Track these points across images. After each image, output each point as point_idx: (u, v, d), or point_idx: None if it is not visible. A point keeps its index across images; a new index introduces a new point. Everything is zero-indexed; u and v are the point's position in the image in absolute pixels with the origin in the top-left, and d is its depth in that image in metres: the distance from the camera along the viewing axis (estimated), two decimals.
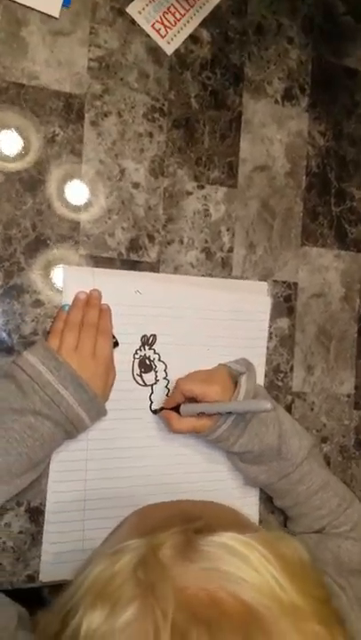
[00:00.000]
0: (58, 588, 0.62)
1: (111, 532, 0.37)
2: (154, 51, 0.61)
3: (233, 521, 0.36)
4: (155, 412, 0.63)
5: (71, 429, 0.54)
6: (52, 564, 0.58)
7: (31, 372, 0.52)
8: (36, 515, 0.57)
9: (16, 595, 0.50)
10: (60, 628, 0.28)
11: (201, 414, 0.58)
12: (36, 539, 0.57)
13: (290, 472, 0.61)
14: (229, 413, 0.57)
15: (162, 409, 0.62)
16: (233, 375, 0.62)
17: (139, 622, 0.25)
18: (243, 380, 0.60)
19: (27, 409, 0.51)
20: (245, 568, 0.27)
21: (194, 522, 0.31)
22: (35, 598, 0.54)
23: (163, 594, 0.26)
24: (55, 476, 0.58)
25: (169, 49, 0.61)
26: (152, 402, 0.63)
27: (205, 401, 0.58)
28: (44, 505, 0.57)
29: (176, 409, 0.60)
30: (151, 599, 0.26)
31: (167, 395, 0.64)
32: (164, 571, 0.27)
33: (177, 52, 0.62)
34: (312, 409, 0.71)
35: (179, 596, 0.26)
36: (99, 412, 0.56)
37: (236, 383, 0.60)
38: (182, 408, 0.60)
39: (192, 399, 0.59)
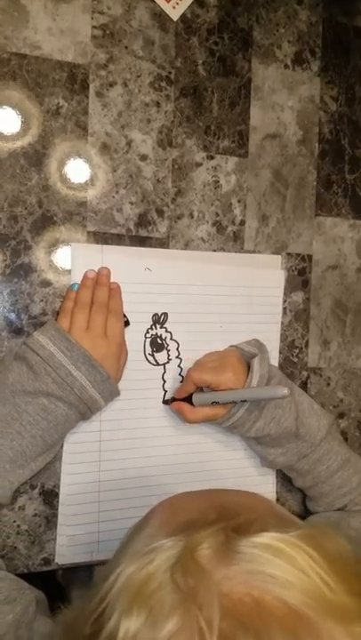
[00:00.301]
0: (72, 572, 0.62)
1: (137, 525, 0.36)
2: (159, 16, 0.59)
3: (270, 513, 0.35)
4: (166, 402, 0.62)
5: (85, 411, 0.53)
6: (67, 546, 0.58)
7: (42, 353, 0.51)
8: (50, 497, 0.57)
9: (29, 578, 0.50)
10: (93, 632, 0.27)
11: (215, 403, 0.57)
12: (50, 521, 0.57)
13: (309, 452, 0.60)
14: (244, 400, 0.56)
15: (173, 399, 0.61)
16: (245, 358, 0.60)
17: (183, 633, 0.24)
18: (255, 364, 0.58)
19: (40, 391, 0.51)
20: (292, 570, 0.26)
21: (231, 518, 0.30)
22: (49, 582, 0.54)
23: (206, 601, 0.25)
24: (69, 458, 0.58)
25: (175, 14, 0.59)
26: (165, 381, 0.62)
27: (219, 389, 0.57)
28: (59, 487, 0.57)
29: (188, 399, 0.59)
30: (194, 607, 0.24)
31: (180, 374, 0.63)
32: (204, 574, 0.26)
33: (183, 17, 0.60)
34: (328, 384, 0.69)
35: (223, 603, 0.24)
36: (112, 393, 0.56)
37: (248, 366, 0.59)
38: (195, 398, 0.58)
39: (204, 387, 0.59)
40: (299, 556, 0.26)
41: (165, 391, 0.62)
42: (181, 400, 0.59)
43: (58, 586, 0.67)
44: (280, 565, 0.26)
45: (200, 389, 0.59)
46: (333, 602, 0.25)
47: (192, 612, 0.24)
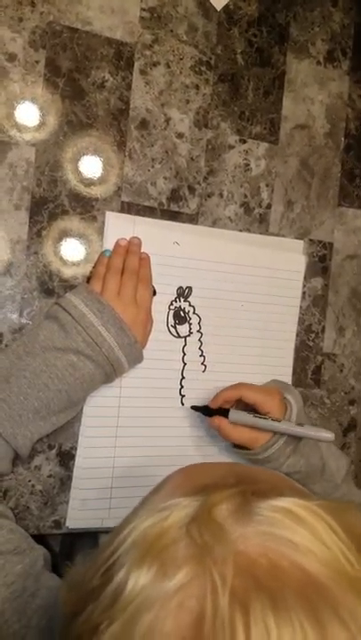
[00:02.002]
0: (75, 540, 0.62)
1: (151, 492, 0.35)
2: (203, 5, 0.62)
3: (290, 487, 0.34)
4: (195, 408, 0.61)
5: (110, 372, 0.55)
6: (79, 510, 0.58)
7: (74, 313, 0.53)
8: (66, 459, 0.58)
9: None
10: (100, 584, 0.26)
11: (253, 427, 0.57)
12: (65, 484, 0.58)
13: (332, 493, 0.60)
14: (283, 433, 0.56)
15: (207, 408, 0.60)
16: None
17: (193, 586, 0.23)
18: (291, 398, 0.59)
19: (69, 348, 0.52)
20: (311, 538, 0.24)
21: (251, 484, 0.29)
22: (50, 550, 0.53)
23: (221, 556, 0.24)
24: (88, 421, 0.59)
25: (218, 4, 0.62)
26: (185, 354, 0.64)
27: (263, 410, 0.57)
28: (75, 449, 0.58)
29: (220, 411, 0.59)
30: (208, 561, 0.23)
31: (200, 348, 0.64)
32: (220, 531, 0.25)
33: (226, 7, 0.63)
34: (341, 370, 0.71)
35: (238, 560, 0.23)
36: (136, 358, 0.57)
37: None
38: (235, 414, 0.58)
39: (243, 404, 0.59)
40: (320, 525, 0.25)
41: (183, 377, 0.63)
42: (216, 412, 0.59)
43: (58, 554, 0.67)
44: (300, 532, 0.25)
45: (235, 406, 0.60)
46: (354, 577, 0.24)
47: (206, 565, 0.23)
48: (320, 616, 0.22)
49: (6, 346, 0.55)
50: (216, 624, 0.21)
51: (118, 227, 0.60)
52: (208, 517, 0.26)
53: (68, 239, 0.58)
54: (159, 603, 0.23)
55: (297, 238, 0.68)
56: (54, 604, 0.42)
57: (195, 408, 0.62)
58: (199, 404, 0.62)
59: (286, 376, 0.68)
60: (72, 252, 0.58)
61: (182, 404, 0.63)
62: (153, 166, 0.61)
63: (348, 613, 0.22)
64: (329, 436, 0.54)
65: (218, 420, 0.59)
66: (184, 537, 0.25)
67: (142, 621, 0.22)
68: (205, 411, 0.61)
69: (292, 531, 0.25)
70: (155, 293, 0.61)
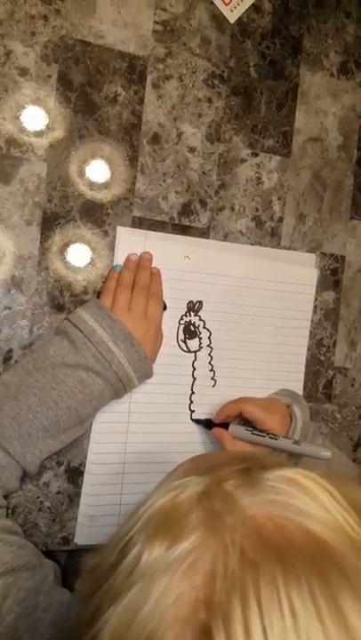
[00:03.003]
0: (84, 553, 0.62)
1: (163, 479, 0.36)
2: (217, 18, 0.62)
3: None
4: (198, 421, 0.62)
5: (120, 388, 0.54)
6: (87, 526, 0.58)
7: (84, 328, 0.53)
8: (75, 475, 0.57)
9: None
10: (116, 560, 0.27)
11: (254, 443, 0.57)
12: (73, 500, 0.57)
13: None
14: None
15: (209, 421, 0.61)
16: (286, 407, 0.61)
17: (204, 548, 0.24)
18: (297, 411, 0.59)
19: (79, 364, 0.52)
20: (314, 505, 0.26)
21: (257, 461, 0.31)
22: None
23: (231, 520, 0.25)
24: (97, 437, 0.58)
25: (232, 17, 0.62)
26: (195, 369, 0.63)
27: (262, 428, 0.57)
28: (84, 466, 0.57)
29: (222, 425, 0.59)
30: (218, 525, 0.25)
31: (210, 362, 0.64)
32: (230, 500, 0.27)
33: (239, 20, 0.63)
34: (353, 385, 0.71)
35: (247, 524, 0.25)
36: (146, 374, 0.57)
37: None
38: (234, 430, 0.58)
39: (244, 419, 0.59)
40: (321, 493, 0.27)
41: (193, 392, 0.63)
42: (218, 425, 0.60)
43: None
44: (303, 499, 0.26)
45: (238, 421, 0.60)
46: (356, 540, 0.25)
47: (216, 529, 0.25)
48: (325, 572, 0.23)
49: (16, 362, 0.55)
50: (227, 582, 0.23)
51: (129, 241, 0.59)
52: (218, 489, 0.28)
53: (78, 254, 0.57)
54: (173, 566, 0.24)
55: (309, 251, 0.67)
56: (66, 618, 0.42)
57: (196, 421, 0.62)
58: (209, 414, 0.62)
59: (297, 390, 0.67)
60: (83, 266, 0.58)
61: (192, 420, 0.63)
62: (165, 181, 0.61)
63: (351, 570, 0.23)
64: (327, 454, 0.53)
65: (219, 431, 0.59)
66: (195, 508, 0.27)
67: (158, 584, 0.24)
68: (207, 424, 0.61)
69: (297, 497, 0.26)
70: (165, 308, 0.60)
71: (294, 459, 0.57)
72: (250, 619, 0.21)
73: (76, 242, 0.57)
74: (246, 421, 0.59)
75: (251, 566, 0.23)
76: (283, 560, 0.23)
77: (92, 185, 0.58)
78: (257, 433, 0.57)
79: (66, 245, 0.57)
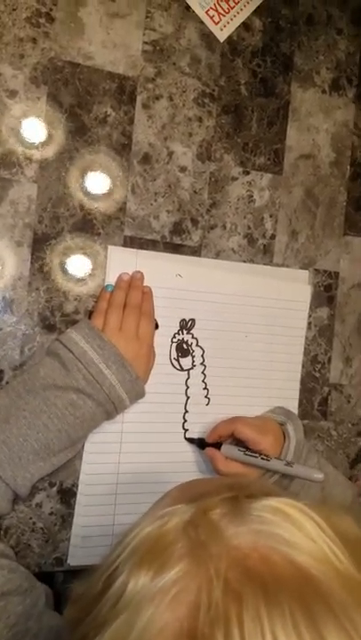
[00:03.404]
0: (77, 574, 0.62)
1: (150, 508, 0.36)
2: (207, 37, 0.62)
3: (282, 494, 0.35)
4: (191, 440, 0.62)
5: (111, 409, 0.54)
6: (80, 547, 0.58)
7: (75, 350, 0.53)
8: (67, 496, 0.57)
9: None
10: (102, 589, 0.27)
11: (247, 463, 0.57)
12: (66, 521, 0.57)
13: None
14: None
15: (202, 441, 0.61)
16: (280, 426, 0.61)
17: (189, 579, 0.24)
18: (290, 430, 0.59)
19: (70, 386, 0.52)
20: (300, 535, 0.26)
21: (244, 489, 0.31)
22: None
23: (216, 550, 0.25)
24: (89, 457, 0.58)
25: (222, 36, 0.62)
26: (188, 387, 0.63)
27: (255, 448, 0.57)
28: (77, 486, 0.57)
29: (215, 445, 0.59)
30: (203, 556, 0.25)
31: (203, 381, 0.63)
32: (216, 530, 0.27)
33: (229, 38, 0.63)
34: (349, 401, 0.70)
35: (232, 554, 0.25)
36: (138, 394, 0.56)
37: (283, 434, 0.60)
38: (227, 450, 0.58)
39: (237, 439, 0.59)
40: (307, 522, 0.26)
41: (186, 411, 0.62)
42: (211, 444, 0.59)
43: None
44: (289, 529, 0.26)
45: (231, 440, 0.59)
46: (341, 569, 0.25)
47: (201, 559, 0.25)
48: (309, 605, 0.23)
49: (7, 383, 0.55)
50: (211, 613, 0.23)
51: (121, 261, 0.59)
52: (204, 518, 0.28)
53: (69, 274, 0.57)
54: (158, 596, 0.24)
55: (302, 268, 0.67)
56: None
57: (190, 440, 0.61)
58: (203, 433, 0.62)
59: (292, 408, 0.67)
60: (74, 286, 0.58)
61: (185, 439, 0.62)
62: (156, 200, 0.61)
63: (336, 602, 0.23)
64: (319, 476, 0.53)
65: (211, 451, 0.59)
66: (181, 538, 0.27)
67: (142, 614, 0.24)
68: (200, 443, 0.61)
69: (282, 527, 0.26)
70: (157, 327, 0.60)
71: (287, 479, 0.57)
72: None
73: (67, 262, 0.57)
74: (239, 440, 0.58)
75: (235, 598, 0.23)
76: (267, 592, 0.23)
77: (82, 205, 0.58)
78: (249, 454, 0.56)
79: (57, 266, 0.57)
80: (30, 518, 0.56)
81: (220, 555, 0.25)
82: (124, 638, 0.24)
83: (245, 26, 0.63)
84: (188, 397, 0.63)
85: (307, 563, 0.25)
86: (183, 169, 0.62)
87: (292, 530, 0.26)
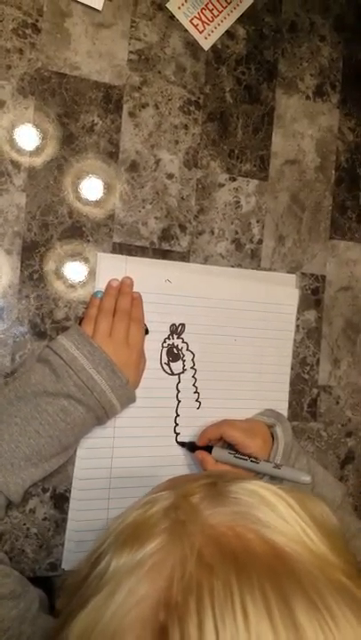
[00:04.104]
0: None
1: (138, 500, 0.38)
2: (191, 45, 0.63)
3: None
4: (183, 444, 0.63)
5: (102, 415, 0.55)
6: (74, 552, 0.58)
7: (66, 356, 0.53)
8: (60, 501, 0.57)
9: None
10: (89, 572, 0.29)
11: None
12: (60, 526, 0.57)
13: None
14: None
15: (193, 444, 0.62)
16: (269, 428, 0.62)
17: (166, 552, 0.26)
18: (279, 432, 0.60)
19: (60, 392, 0.52)
20: (274, 515, 0.28)
21: (222, 477, 0.33)
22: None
23: (192, 528, 0.27)
24: (82, 463, 0.59)
25: (206, 44, 0.63)
26: (179, 391, 0.63)
27: (244, 451, 0.58)
28: (70, 492, 0.58)
29: (206, 447, 0.60)
30: (181, 532, 0.27)
31: (194, 385, 0.64)
32: (195, 511, 0.28)
33: (214, 47, 0.63)
34: (337, 402, 0.71)
35: (207, 532, 0.27)
36: (129, 399, 0.57)
37: (272, 435, 0.61)
38: (216, 453, 0.59)
39: (226, 443, 0.59)
40: (281, 505, 0.28)
41: (178, 415, 0.63)
42: (201, 448, 0.60)
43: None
44: (263, 509, 0.28)
45: (222, 443, 0.60)
46: (312, 549, 0.26)
47: (178, 535, 0.27)
48: (278, 577, 0.24)
49: None
50: (184, 583, 0.24)
51: (110, 267, 0.60)
52: (184, 501, 0.29)
53: (59, 281, 0.58)
54: (138, 567, 0.26)
55: (289, 272, 0.68)
56: None
57: (181, 444, 0.62)
58: (193, 437, 0.62)
59: (282, 410, 0.68)
60: (64, 293, 0.58)
61: (177, 442, 0.63)
62: (144, 207, 0.61)
63: (307, 579, 0.24)
64: (306, 479, 0.54)
65: (201, 454, 0.60)
66: (162, 519, 0.28)
67: (122, 587, 0.25)
68: (191, 447, 0.62)
69: (257, 508, 0.28)
70: (147, 332, 0.61)
71: (277, 481, 0.57)
72: (203, 619, 0.22)
73: (56, 269, 0.58)
74: (229, 445, 0.59)
75: (207, 569, 0.24)
76: (237, 565, 0.24)
77: (71, 213, 0.58)
78: (239, 456, 0.57)
79: (46, 273, 0.57)
80: (24, 524, 0.56)
81: (197, 532, 0.27)
82: (105, 609, 0.25)
83: (229, 34, 0.64)
84: (179, 401, 0.63)
85: (280, 541, 0.26)
86: (170, 176, 0.62)
87: (267, 511, 0.28)
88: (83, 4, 0.57)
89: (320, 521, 0.29)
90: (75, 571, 0.31)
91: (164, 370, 0.63)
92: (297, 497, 0.29)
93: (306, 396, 0.69)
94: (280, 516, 0.28)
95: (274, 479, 0.57)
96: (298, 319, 0.68)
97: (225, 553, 0.25)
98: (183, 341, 0.64)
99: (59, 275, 0.58)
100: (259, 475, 0.57)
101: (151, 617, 0.24)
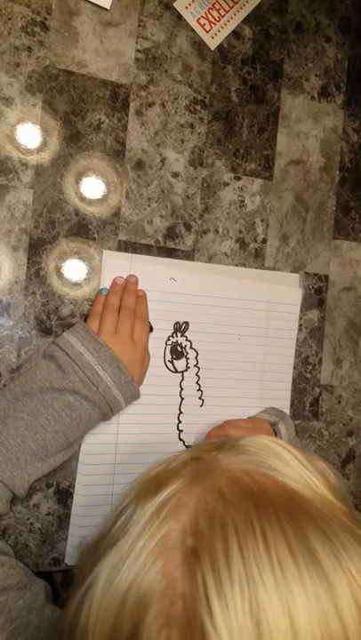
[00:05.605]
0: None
1: None
2: (198, 45, 0.63)
3: None
4: (187, 447, 0.63)
5: (107, 411, 0.55)
6: (78, 547, 0.58)
7: (71, 352, 0.53)
8: (64, 497, 0.58)
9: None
10: (112, 524, 0.30)
11: None
12: (63, 521, 0.58)
13: None
14: None
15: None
16: (272, 426, 0.63)
17: (187, 490, 0.29)
18: (282, 430, 0.60)
19: (66, 388, 0.53)
20: (281, 464, 0.31)
21: (231, 438, 0.36)
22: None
23: (211, 472, 0.30)
24: (86, 458, 0.59)
25: (213, 44, 0.63)
26: (182, 389, 0.64)
27: None
28: (73, 487, 0.58)
29: None
30: (201, 475, 0.30)
31: (197, 382, 0.64)
32: (213, 459, 0.32)
33: (220, 46, 0.64)
34: (339, 402, 0.71)
35: (225, 475, 0.30)
36: (133, 396, 0.57)
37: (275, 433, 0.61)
38: None
39: None
40: (287, 455, 0.32)
41: (181, 412, 0.63)
42: None
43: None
44: (272, 459, 0.31)
45: None
46: (319, 494, 0.30)
47: (199, 477, 0.30)
48: (292, 510, 0.27)
49: (4, 385, 0.56)
50: (207, 515, 0.27)
51: (115, 265, 0.60)
52: (202, 452, 0.33)
53: (65, 278, 0.58)
54: (161, 508, 0.28)
55: (293, 272, 0.68)
56: (59, 634, 0.43)
57: (186, 447, 0.62)
58: (197, 438, 0.63)
59: (284, 408, 0.68)
60: (69, 290, 0.59)
61: (180, 440, 0.63)
62: (149, 205, 0.62)
63: (315, 511, 0.28)
64: None
65: None
66: (183, 469, 0.31)
67: (149, 525, 0.28)
68: None
69: (268, 457, 0.32)
70: (152, 330, 0.61)
71: None
72: (229, 543, 0.25)
73: (62, 266, 0.58)
74: None
75: (228, 504, 0.27)
76: (255, 500, 0.28)
77: (77, 210, 0.58)
78: None
79: (52, 270, 0.58)
80: (28, 519, 0.56)
81: (216, 475, 0.30)
82: (135, 545, 0.27)
83: (236, 34, 0.65)
84: (182, 399, 0.64)
85: (290, 484, 0.30)
86: (176, 175, 0.63)
87: (275, 460, 0.31)
88: (91, 2, 0.58)
89: (322, 473, 0.32)
90: (96, 530, 0.33)
91: (168, 367, 0.63)
92: (302, 451, 0.33)
93: (308, 395, 0.70)
94: (287, 464, 0.31)
95: None
96: (301, 318, 0.69)
97: (244, 491, 0.28)
98: (187, 339, 0.64)
99: (65, 272, 0.58)
100: None
101: (180, 544, 0.26)
